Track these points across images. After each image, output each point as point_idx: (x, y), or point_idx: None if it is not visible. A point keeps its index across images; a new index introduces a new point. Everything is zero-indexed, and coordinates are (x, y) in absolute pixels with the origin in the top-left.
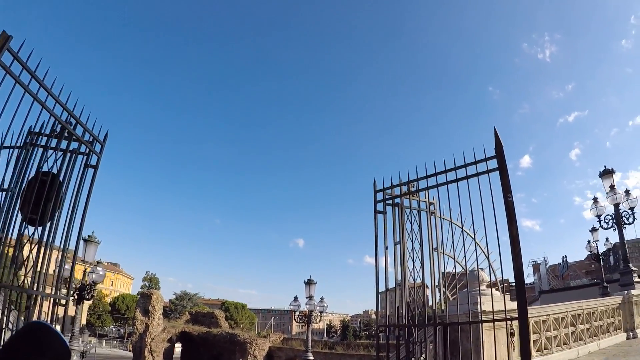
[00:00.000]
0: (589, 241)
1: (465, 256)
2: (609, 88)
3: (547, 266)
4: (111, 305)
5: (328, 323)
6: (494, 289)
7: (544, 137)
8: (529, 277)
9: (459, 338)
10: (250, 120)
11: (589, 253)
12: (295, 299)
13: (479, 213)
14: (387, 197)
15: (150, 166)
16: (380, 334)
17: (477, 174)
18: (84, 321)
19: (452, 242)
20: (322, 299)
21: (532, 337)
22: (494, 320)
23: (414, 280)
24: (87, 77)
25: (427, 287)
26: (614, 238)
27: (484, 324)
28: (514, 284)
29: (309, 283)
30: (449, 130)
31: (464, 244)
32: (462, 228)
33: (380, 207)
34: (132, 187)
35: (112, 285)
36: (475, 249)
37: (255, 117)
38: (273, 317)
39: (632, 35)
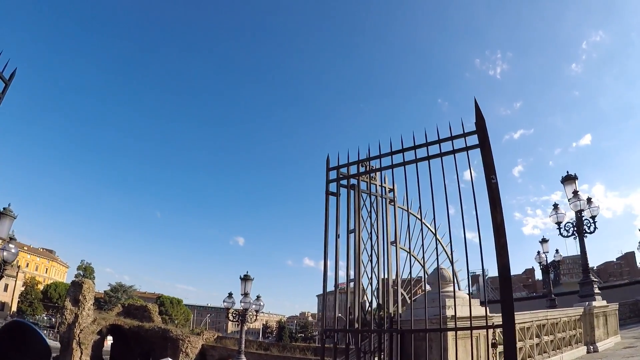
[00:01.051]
0: (538, 252)
1: (424, 252)
2: (556, 108)
3: (487, 278)
4: (43, 293)
5: (264, 323)
6: (459, 292)
7: None
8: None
9: (423, 347)
10: (197, 116)
11: (539, 263)
12: (230, 295)
13: (454, 197)
14: (341, 177)
15: (91, 155)
16: (325, 339)
17: (454, 151)
18: (14, 308)
19: (420, 235)
20: (258, 297)
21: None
22: (471, 328)
23: (368, 277)
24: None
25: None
26: (563, 250)
27: (457, 332)
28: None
29: (245, 279)
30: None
31: (422, 239)
32: (421, 220)
33: (332, 187)
34: (74, 175)
35: (46, 272)
36: (437, 246)
37: (201, 113)
38: (209, 315)
39: (582, 60)
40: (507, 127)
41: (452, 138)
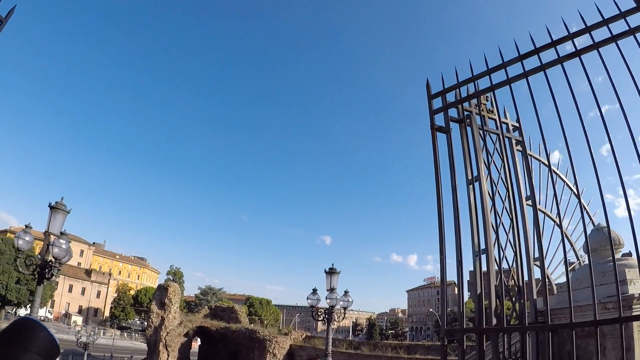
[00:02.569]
0: None
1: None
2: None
3: None
4: (134, 299)
5: (354, 321)
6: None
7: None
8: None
9: (590, 347)
10: (275, 124)
11: None
12: (314, 291)
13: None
14: (449, 105)
15: (178, 164)
16: (446, 343)
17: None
18: (106, 313)
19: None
20: (346, 292)
21: None
22: None
23: (501, 249)
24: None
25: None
26: None
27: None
28: None
29: (331, 273)
30: None
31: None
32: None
33: (439, 119)
34: (163, 184)
35: (138, 279)
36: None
37: (278, 119)
38: (298, 314)
39: None
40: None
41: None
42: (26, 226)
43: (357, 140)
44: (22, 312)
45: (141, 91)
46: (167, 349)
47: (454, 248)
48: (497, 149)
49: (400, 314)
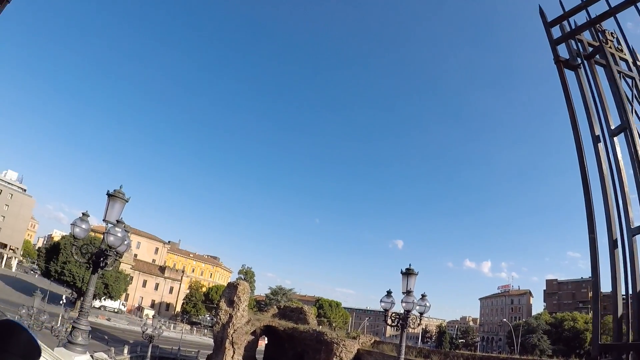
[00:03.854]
0: None
1: None
2: None
3: None
4: (205, 295)
5: (424, 327)
6: None
7: None
8: None
9: None
10: (348, 129)
11: None
12: (388, 293)
13: None
14: (569, 34)
15: (251, 165)
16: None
17: None
18: (178, 308)
19: None
20: (423, 296)
21: None
22: None
23: None
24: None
25: None
26: None
27: None
28: None
29: (408, 274)
30: None
31: None
32: None
33: (562, 51)
34: (237, 185)
35: (211, 277)
36: None
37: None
38: (367, 318)
39: None
40: None
41: None
42: (83, 214)
43: (432, 144)
44: (97, 303)
45: (218, 93)
46: (233, 346)
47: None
48: (635, 96)
49: (471, 323)
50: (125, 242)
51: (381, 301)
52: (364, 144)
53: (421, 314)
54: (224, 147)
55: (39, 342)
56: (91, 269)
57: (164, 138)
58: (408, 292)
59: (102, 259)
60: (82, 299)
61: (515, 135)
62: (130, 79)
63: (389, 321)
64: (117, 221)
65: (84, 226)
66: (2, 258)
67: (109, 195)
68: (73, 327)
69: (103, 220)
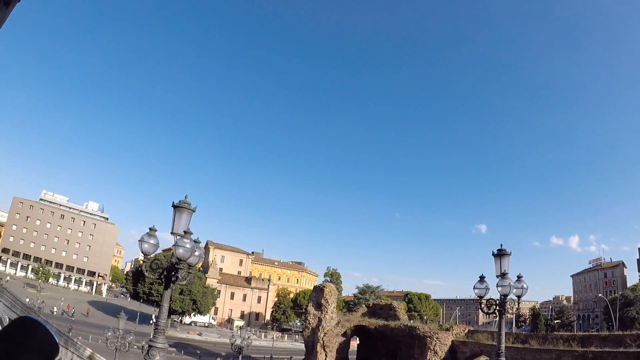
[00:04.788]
0: None
1: None
2: None
3: None
4: (293, 301)
5: (516, 312)
6: None
7: None
8: None
9: None
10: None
11: None
12: (481, 279)
13: None
14: None
15: (326, 168)
16: None
17: None
18: (267, 317)
19: None
20: (519, 277)
21: None
22: None
23: None
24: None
25: None
26: None
27: None
28: None
29: (500, 255)
30: None
31: None
32: None
33: None
34: (313, 190)
35: (297, 282)
36: None
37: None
38: (458, 308)
39: None
40: None
41: None
42: (150, 229)
43: (512, 126)
44: (187, 319)
45: (292, 101)
46: (324, 349)
47: None
48: None
49: (564, 302)
50: (197, 254)
51: (474, 287)
52: (438, 133)
53: (518, 297)
54: (296, 153)
55: (57, 339)
56: (164, 284)
57: (236, 152)
58: (503, 275)
59: (173, 273)
60: (170, 317)
61: (596, 107)
62: (196, 95)
63: (485, 308)
64: (185, 232)
65: (152, 241)
66: (92, 285)
67: (175, 206)
68: (150, 346)
69: (171, 233)
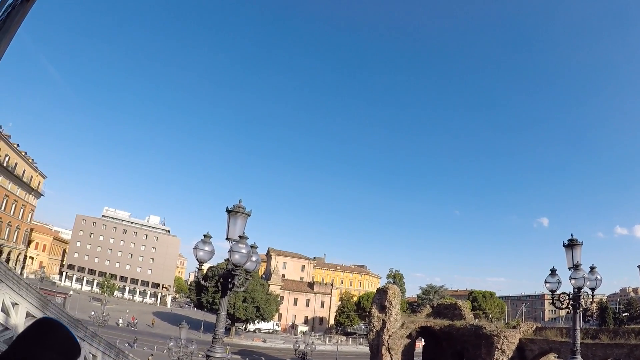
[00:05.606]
0: None
1: None
2: None
3: None
4: (357, 305)
5: (589, 305)
6: None
7: None
8: None
9: None
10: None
11: None
12: (553, 272)
13: None
14: None
15: (382, 170)
16: None
17: None
18: (331, 321)
19: None
20: (592, 268)
21: None
22: None
23: None
24: None
25: None
26: None
27: None
28: None
29: (572, 245)
30: None
31: None
32: None
33: None
34: (373, 194)
35: (360, 285)
36: None
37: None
38: (523, 304)
39: None
40: None
41: None
42: (205, 236)
43: (572, 118)
44: (251, 327)
45: (351, 104)
46: (390, 352)
47: None
48: None
49: (632, 294)
50: (254, 259)
51: (545, 282)
52: (496, 128)
53: (592, 289)
54: (354, 157)
55: (78, 340)
56: (221, 292)
57: (294, 158)
58: (576, 267)
59: (229, 280)
60: (235, 324)
61: None
62: (253, 104)
63: (557, 303)
64: (240, 237)
65: (207, 248)
66: (157, 296)
67: (229, 211)
68: (207, 356)
69: (226, 239)
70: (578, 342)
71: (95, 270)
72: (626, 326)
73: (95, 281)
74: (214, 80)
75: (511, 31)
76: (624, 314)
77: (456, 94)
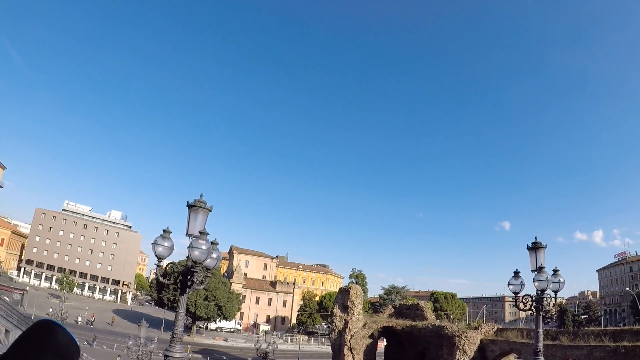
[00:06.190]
0: None
1: None
2: None
3: None
4: (319, 304)
5: (554, 307)
6: None
7: None
8: None
9: None
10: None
11: None
12: (516, 274)
13: None
14: None
15: (346, 170)
16: None
17: None
18: (293, 320)
19: None
20: (555, 271)
21: None
22: None
23: None
24: None
25: None
26: None
27: None
28: None
29: (536, 248)
30: None
31: None
32: None
33: None
34: (337, 194)
35: (322, 285)
36: None
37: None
38: (484, 306)
39: None
40: None
41: None
42: (164, 231)
43: (535, 124)
44: (213, 325)
45: (312, 102)
46: (352, 352)
47: None
48: None
49: (590, 297)
50: (214, 256)
51: (509, 284)
52: (460, 133)
53: (555, 292)
54: (319, 157)
55: (78, 342)
56: (180, 289)
57: (259, 157)
58: (540, 269)
59: (189, 277)
60: (196, 323)
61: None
62: (215, 100)
63: (521, 305)
64: (201, 233)
65: (166, 244)
66: (117, 294)
67: (189, 206)
68: (165, 356)
69: (186, 234)
70: (541, 344)
71: (55, 266)
72: (585, 328)
73: (55, 277)
74: (177, 74)
75: (461, 33)
76: (582, 317)
77: (420, 97)
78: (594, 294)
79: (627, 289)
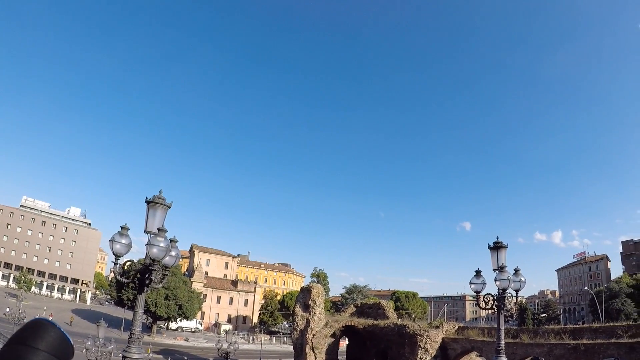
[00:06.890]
0: None
1: None
2: None
3: None
4: (280, 303)
5: (515, 306)
6: None
7: None
8: None
9: None
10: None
11: None
12: (478, 273)
13: None
14: None
15: (310, 170)
16: None
17: None
18: (255, 320)
19: None
20: (517, 270)
21: None
22: None
23: None
24: None
25: None
26: None
27: None
28: None
29: (497, 247)
30: None
31: None
32: None
33: None
34: (298, 193)
35: (284, 284)
36: None
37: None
38: (446, 305)
39: None
40: None
41: None
42: (122, 227)
43: (495, 123)
44: (173, 325)
45: (274, 100)
46: (313, 351)
47: None
48: None
49: (550, 296)
50: (173, 254)
51: (471, 283)
52: (421, 132)
53: (517, 291)
54: (280, 155)
55: (72, 341)
56: (138, 288)
57: (220, 155)
58: (501, 269)
59: (147, 275)
60: (156, 323)
61: (578, 102)
62: (178, 98)
63: (482, 304)
64: (159, 230)
65: (124, 241)
66: (76, 293)
67: (148, 202)
68: (123, 357)
69: (144, 231)
70: (502, 342)
71: (12, 264)
72: (545, 326)
73: (12, 276)
74: (138, 70)
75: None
76: (542, 315)
77: (379, 96)
78: (553, 293)
79: (586, 288)
